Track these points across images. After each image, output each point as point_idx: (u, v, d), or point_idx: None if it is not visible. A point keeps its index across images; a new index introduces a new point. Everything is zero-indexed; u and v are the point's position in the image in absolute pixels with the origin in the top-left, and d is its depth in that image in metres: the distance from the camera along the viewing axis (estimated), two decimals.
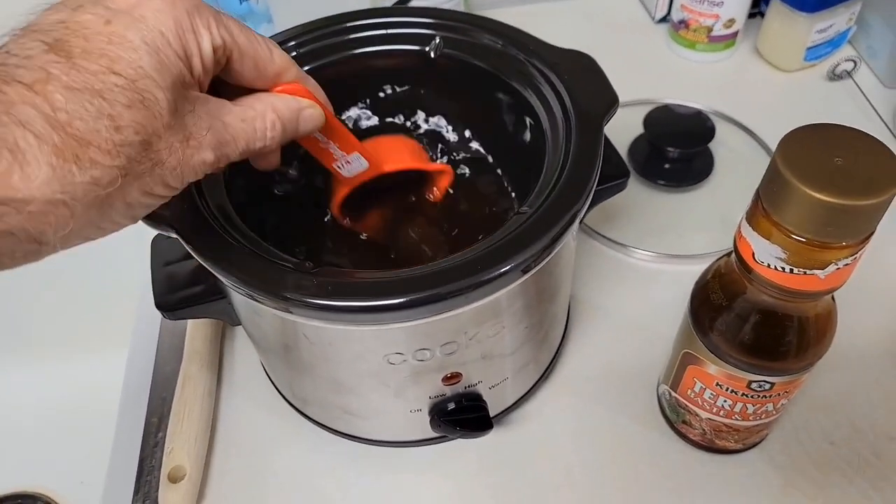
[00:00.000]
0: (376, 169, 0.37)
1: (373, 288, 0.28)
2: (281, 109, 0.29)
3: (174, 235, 0.31)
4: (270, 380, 0.43)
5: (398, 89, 0.42)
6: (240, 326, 0.37)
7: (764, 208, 0.28)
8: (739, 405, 0.35)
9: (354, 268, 0.39)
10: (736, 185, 0.54)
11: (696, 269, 0.49)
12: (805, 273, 0.28)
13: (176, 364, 0.46)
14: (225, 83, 0.29)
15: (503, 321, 0.33)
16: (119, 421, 0.45)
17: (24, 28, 0.23)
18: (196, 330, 0.45)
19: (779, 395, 0.34)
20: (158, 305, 0.35)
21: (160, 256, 0.37)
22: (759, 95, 0.61)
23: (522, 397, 0.41)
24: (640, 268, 0.50)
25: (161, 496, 0.38)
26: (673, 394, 0.39)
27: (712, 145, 0.54)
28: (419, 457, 0.41)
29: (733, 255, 0.31)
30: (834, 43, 0.61)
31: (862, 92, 0.58)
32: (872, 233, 0.27)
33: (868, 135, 0.27)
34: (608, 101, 0.35)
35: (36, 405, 0.68)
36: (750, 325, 0.32)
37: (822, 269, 0.27)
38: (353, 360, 0.33)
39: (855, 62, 0.60)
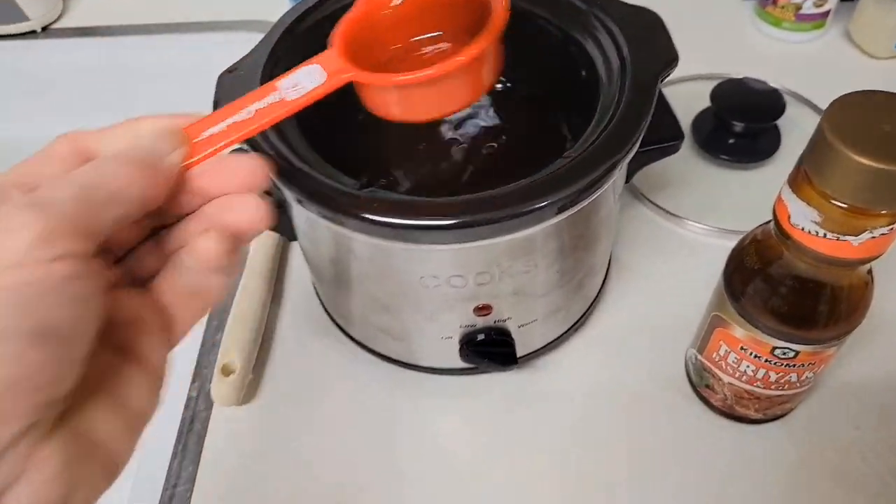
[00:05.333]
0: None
1: (410, 208, 0.30)
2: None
3: (245, 149, 0.33)
4: (319, 299, 0.46)
5: None
6: (296, 247, 0.40)
7: (805, 172, 0.28)
8: (762, 371, 0.35)
9: (408, 183, 0.42)
10: None
11: None
12: (838, 239, 0.28)
13: (237, 277, 0.50)
14: None
15: (535, 260, 0.34)
16: None
17: None
18: (257, 248, 0.49)
19: (803, 365, 0.34)
20: None
21: None
22: (843, 81, 0.57)
23: (551, 343, 0.43)
24: (690, 239, 0.50)
25: (213, 386, 0.42)
26: (699, 357, 0.40)
27: (783, 125, 0.53)
28: (447, 385, 0.43)
29: (772, 220, 0.32)
30: None
31: None
32: None
33: None
34: (667, 59, 0.35)
35: None
36: (782, 290, 0.32)
37: (856, 237, 0.27)
38: (392, 277, 0.35)
39: None
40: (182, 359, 0.46)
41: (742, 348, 0.35)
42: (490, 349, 0.39)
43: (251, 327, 0.45)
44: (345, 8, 0.40)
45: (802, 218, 0.29)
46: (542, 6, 0.39)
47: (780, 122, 0.52)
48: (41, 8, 0.69)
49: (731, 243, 0.50)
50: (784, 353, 0.34)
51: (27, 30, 0.69)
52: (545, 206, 0.30)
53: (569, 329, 0.43)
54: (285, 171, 0.32)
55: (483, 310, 0.37)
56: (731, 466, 0.39)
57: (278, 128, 0.34)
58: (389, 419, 0.42)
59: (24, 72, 0.70)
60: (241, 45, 0.68)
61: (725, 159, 0.53)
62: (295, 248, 0.51)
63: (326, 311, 0.46)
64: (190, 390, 0.45)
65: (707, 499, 0.38)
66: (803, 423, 0.40)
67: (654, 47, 0.36)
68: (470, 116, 0.44)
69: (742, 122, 0.51)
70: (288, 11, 0.40)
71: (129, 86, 0.69)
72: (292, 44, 0.39)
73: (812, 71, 0.60)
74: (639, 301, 0.47)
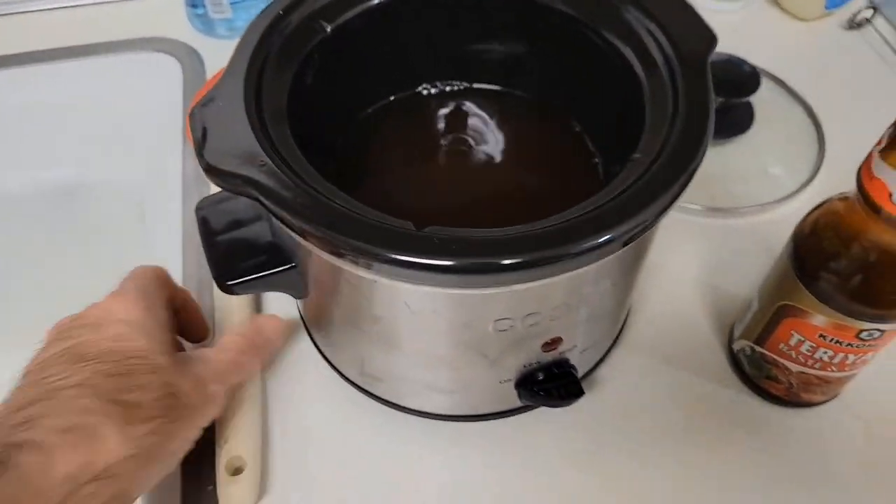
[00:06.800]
0: None
1: (508, 245, 0.25)
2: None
3: (262, 201, 0.26)
4: (325, 358, 0.39)
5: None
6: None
7: None
8: (840, 356, 0.34)
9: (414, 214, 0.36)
10: (774, 135, 0.53)
11: (744, 222, 0.48)
12: None
13: (207, 345, 0.41)
14: None
15: (615, 277, 0.30)
16: None
17: (41, 353, 0.30)
18: (228, 308, 0.41)
19: (885, 343, 0.33)
20: (219, 278, 0.31)
21: (209, 227, 0.32)
22: (781, 45, 0.60)
23: (599, 361, 0.39)
24: (687, 222, 0.48)
25: (221, 490, 0.34)
26: (757, 349, 0.38)
27: None
28: (500, 429, 0.38)
29: (854, 196, 0.29)
30: None
31: (885, 39, 0.58)
32: None
33: None
34: (708, 39, 0.32)
35: None
36: (872, 269, 0.30)
37: None
38: (458, 328, 0.29)
39: (874, 9, 0.59)
40: None
41: (821, 335, 0.33)
42: (552, 385, 0.34)
43: (250, 409, 0.37)
44: (329, 6, 0.34)
45: None
46: None
47: None
48: None
49: (728, 221, 0.49)
50: (870, 335, 0.32)
51: None
52: (660, 211, 0.26)
53: (612, 344, 0.40)
54: (319, 214, 0.26)
55: (552, 344, 0.32)
56: (806, 452, 0.38)
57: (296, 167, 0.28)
58: (435, 478, 0.37)
59: None
60: (135, 66, 0.59)
61: None
62: (269, 295, 0.44)
63: (337, 369, 0.39)
64: (183, 501, 0.36)
65: (795, 485, 0.37)
66: (859, 397, 0.39)
67: (687, 29, 0.33)
68: (474, 129, 0.39)
69: (721, 97, 0.50)
70: (253, 23, 0.33)
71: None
72: (272, 62, 0.32)
73: (750, 38, 0.60)
74: (660, 294, 0.44)
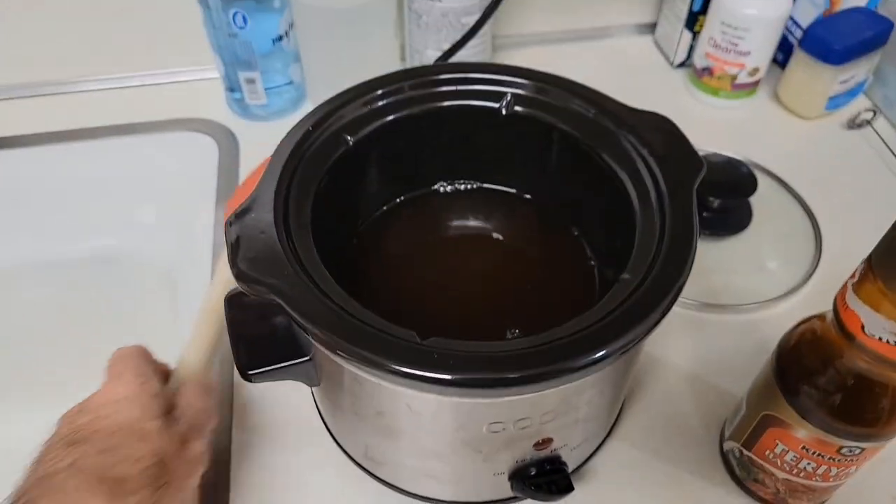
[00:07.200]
0: None
1: (502, 362, 0.27)
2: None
3: (283, 307, 0.29)
4: (332, 435, 0.41)
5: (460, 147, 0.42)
6: None
7: (881, 284, 0.28)
8: (823, 468, 0.35)
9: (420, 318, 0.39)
10: (772, 233, 0.55)
11: (740, 319, 0.50)
12: None
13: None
14: None
15: (606, 383, 0.33)
16: None
17: (47, 444, 0.32)
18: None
19: (866, 458, 0.35)
20: (242, 368, 0.33)
21: (235, 318, 0.35)
22: (782, 143, 0.63)
23: (591, 454, 0.41)
24: (685, 316, 0.50)
25: None
26: (745, 452, 0.39)
27: None
28: None
29: (831, 320, 0.32)
30: (852, 93, 0.64)
31: (884, 141, 0.61)
32: None
33: None
34: (696, 168, 0.35)
35: None
36: (850, 390, 0.32)
37: None
38: (454, 428, 0.32)
39: (875, 111, 0.62)
40: None
41: (804, 448, 0.35)
42: (543, 480, 0.36)
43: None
44: (353, 122, 0.38)
45: (881, 330, 0.29)
46: (553, 115, 0.39)
47: None
48: None
49: (726, 317, 0.51)
50: (850, 451, 0.34)
51: None
52: (643, 334, 0.29)
53: (606, 436, 0.42)
54: (331, 323, 0.29)
55: (543, 444, 0.34)
56: None
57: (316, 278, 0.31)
58: None
59: None
60: (175, 144, 0.63)
61: (704, 233, 0.54)
62: None
63: (342, 447, 0.41)
64: None
65: None
66: (848, 503, 0.41)
67: (678, 156, 0.36)
68: (482, 227, 0.43)
69: (720, 199, 0.52)
70: (285, 138, 0.36)
71: (47, 201, 0.61)
72: (301, 173, 0.35)
73: (752, 136, 0.63)
74: (656, 389, 0.46)
